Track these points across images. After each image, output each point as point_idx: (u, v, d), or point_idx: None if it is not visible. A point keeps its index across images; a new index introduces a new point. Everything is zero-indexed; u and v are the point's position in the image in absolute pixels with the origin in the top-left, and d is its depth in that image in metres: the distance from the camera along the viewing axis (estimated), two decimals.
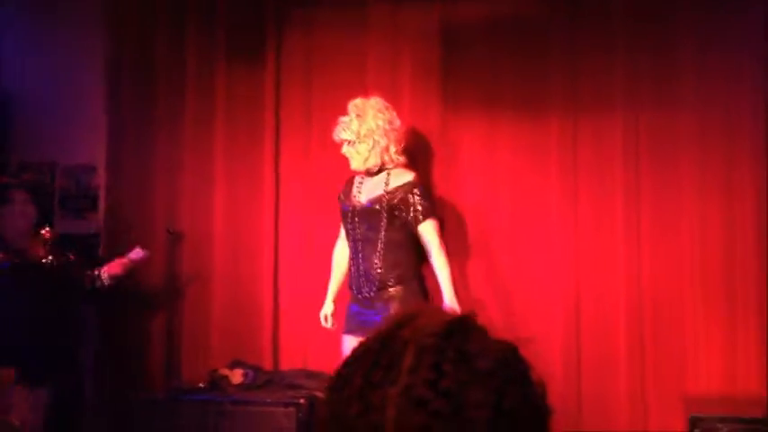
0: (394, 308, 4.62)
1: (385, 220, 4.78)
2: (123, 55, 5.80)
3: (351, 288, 4.93)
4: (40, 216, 5.08)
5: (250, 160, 5.68)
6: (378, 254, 4.77)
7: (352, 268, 4.89)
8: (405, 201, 4.78)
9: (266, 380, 5.25)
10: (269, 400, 4.99)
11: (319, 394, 4.98)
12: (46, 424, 4.85)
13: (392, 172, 4.86)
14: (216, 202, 5.66)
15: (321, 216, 5.54)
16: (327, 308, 4.99)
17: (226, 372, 5.26)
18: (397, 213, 4.79)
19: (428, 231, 4.78)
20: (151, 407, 5.09)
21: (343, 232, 5.01)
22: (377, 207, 4.79)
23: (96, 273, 5.13)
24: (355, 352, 1.09)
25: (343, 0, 5.71)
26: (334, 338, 5.38)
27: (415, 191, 4.79)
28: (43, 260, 4.97)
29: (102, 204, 5.86)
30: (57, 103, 5.90)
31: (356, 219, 4.86)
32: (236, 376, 5.23)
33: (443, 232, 4.93)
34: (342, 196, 5.01)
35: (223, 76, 5.72)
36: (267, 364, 5.49)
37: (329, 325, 4.99)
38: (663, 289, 5.18)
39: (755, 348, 5.03)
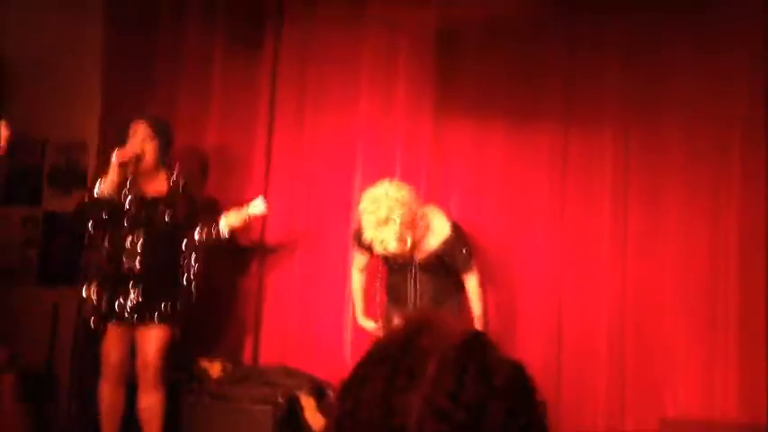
0: None
1: (443, 268, 4.76)
2: (121, 38, 5.78)
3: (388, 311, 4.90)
4: (160, 156, 4.95)
5: (242, 150, 5.68)
6: (435, 291, 4.78)
7: (400, 297, 4.83)
8: (451, 253, 4.73)
9: (245, 375, 5.22)
10: (247, 397, 4.98)
11: (298, 393, 4.99)
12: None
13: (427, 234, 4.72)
14: (207, 190, 5.66)
15: (309, 211, 5.58)
16: (371, 323, 4.95)
17: (205, 364, 5.27)
18: (447, 262, 4.77)
19: (472, 281, 4.79)
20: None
21: (359, 263, 4.98)
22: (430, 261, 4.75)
23: (215, 224, 4.96)
24: (372, 354, 1.13)
25: None
26: (312, 336, 5.42)
27: (458, 244, 4.74)
28: (162, 198, 4.90)
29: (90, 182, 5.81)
30: (50, 78, 5.85)
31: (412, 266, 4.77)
32: (215, 369, 5.24)
33: None
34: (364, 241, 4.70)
35: (220, 65, 5.72)
36: (246, 359, 5.52)
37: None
38: (645, 311, 5.18)
39: (734, 374, 5.02)
